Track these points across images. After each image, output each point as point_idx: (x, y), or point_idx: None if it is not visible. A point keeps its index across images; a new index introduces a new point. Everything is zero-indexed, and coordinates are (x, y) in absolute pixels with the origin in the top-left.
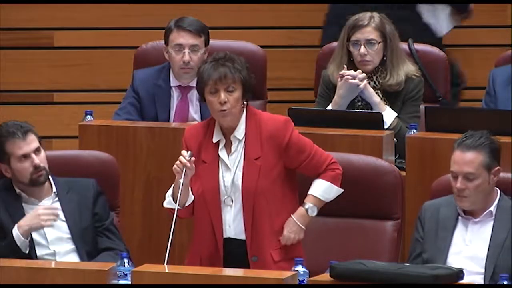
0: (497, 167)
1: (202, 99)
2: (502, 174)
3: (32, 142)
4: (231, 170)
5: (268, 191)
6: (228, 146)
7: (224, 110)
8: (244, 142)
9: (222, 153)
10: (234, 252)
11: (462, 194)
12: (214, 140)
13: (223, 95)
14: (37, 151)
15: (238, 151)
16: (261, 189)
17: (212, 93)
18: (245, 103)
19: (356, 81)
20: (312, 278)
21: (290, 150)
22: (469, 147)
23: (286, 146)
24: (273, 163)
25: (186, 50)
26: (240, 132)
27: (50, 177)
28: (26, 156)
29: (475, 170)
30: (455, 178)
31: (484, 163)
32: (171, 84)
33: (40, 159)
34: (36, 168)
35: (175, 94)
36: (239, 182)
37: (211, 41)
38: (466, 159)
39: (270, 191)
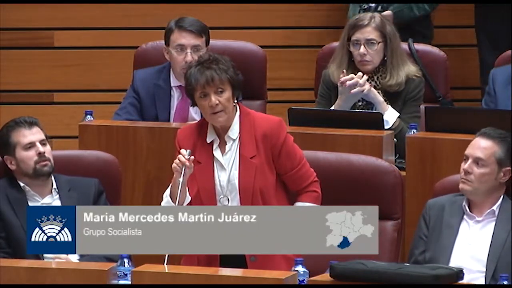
0: (509, 167)
1: (193, 104)
2: None
3: (38, 133)
4: (227, 170)
5: (264, 190)
6: (222, 145)
7: (217, 112)
8: (239, 142)
9: (217, 153)
10: None
11: (467, 177)
12: (208, 140)
13: (213, 98)
14: (42, 143)
15: (233, 150)
16: (258, 187)
17: (202, 98)
18: (236, 101)
19: (357, 89)
20: (312, 278)
21: (281, 152)
22: (488, 135)
23: (279, 147)
24: (267, 162)
25: (188, 51)
26: (234, 131)
27: (52, 175)
28: (31, 145)
29: (486, 157)
30: (465, 161)
31: (497, 155)
32: (172, 84)
33: (45, 150)
34: (41, 156)
35: (176, 94)
36: (235, 181)
37: (211, 41)
38: (482, 145)
39: (266, 190)
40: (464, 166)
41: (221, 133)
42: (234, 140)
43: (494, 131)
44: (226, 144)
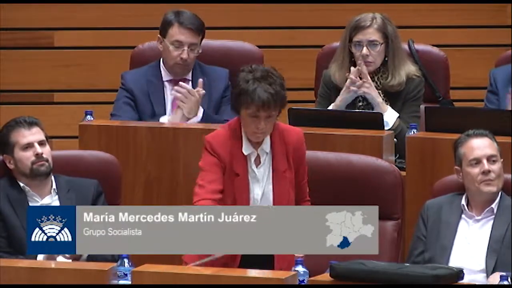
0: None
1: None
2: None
3: (37, 133)
4: (261, 184)
5: (294, 202)
6: (256, 158)
7: (260, 134)
8: (271, 155)
9: (253, 166)
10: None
11: (489, 177)
12: (245, 153)
13: (263, 123)
14: (41, 143)
15: (266, 164)
16: (292, 201)
17: (251, 116)
18: None
19: (359, 90)
20: (312, 278)
21: (302, 164)
22: (483, 134)
23: (303, 159)
24: (294, 174)
25: (186, 48)
26: (267, 145)
27: (52, 175)
28: (29, 145)
29: (496, 152)
30: (478, 164)
31: (498, 149)
32: (163, 79)
33: (44, 151)
34: (38, 157)
35: (168, 88)
36: (269, 195)
37: (210, 41)
38: (486, 143)
39: (294, 201)
40: (484, 167)
41: (256, 146)
42: (267, 154)
43: (479, 130)
44: (260, 157)
